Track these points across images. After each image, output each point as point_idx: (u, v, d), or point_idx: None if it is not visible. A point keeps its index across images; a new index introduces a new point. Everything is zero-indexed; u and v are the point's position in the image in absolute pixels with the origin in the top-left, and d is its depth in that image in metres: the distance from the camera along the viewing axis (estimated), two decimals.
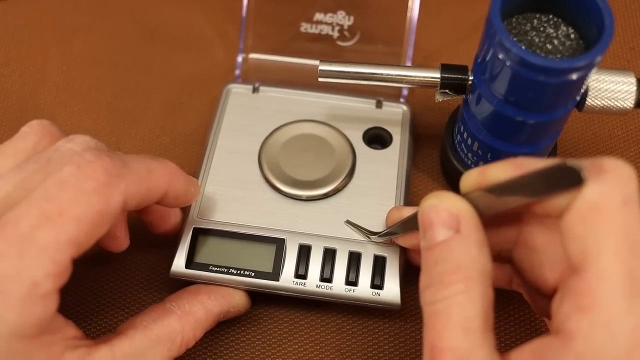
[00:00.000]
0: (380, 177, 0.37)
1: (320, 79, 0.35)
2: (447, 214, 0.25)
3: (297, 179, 0.36)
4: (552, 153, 0.37)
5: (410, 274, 0.34)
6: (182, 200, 0.31)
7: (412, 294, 0.36)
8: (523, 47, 0.28)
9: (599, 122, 0.43)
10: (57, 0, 0.49)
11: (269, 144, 0.38)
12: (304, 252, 0.34)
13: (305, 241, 0.34)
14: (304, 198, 0.36)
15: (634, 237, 0.22)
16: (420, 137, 0.42)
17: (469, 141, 0.35)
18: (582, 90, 0.31)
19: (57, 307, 0.24)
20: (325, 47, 0.42)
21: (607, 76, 0.32)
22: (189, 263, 0.33)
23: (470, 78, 0.33)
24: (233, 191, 0.36)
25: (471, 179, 0.26)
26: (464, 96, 0.34)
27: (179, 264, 0.33)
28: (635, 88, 0.32)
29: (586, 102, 0.32)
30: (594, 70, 0.29)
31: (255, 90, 0.40)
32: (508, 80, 0.29)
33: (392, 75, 0.34)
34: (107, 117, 0.44)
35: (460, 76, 0.33)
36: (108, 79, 0.46)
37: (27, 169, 0.26)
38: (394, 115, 0.39)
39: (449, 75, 0.33)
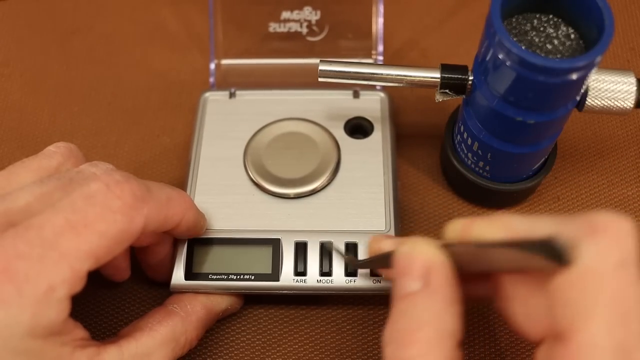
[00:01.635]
0: (367, 166, 0.37)
1: (320, 79, 0.35)
2: (419, 264, 0.23)
3: (285, 177, 0.36)
4: (552, 153, 0.37)
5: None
6: (192, 232, 0.33)
7: None
8: (523, 47, 0.28)
9: (599, 122, 0.43)
10: (57, 0, 0.49)
11: (252, 146, 0.38)
12: (301, 249, 0.34)
13: (301, 238, 0.34)
14: (293, 196, 0.36)
15: (627, 304, 0.20)
16: (419, 136, 0.42)
17: (469, 141, 0.35)
18: (582, 90, 0.31)
19: (69, 313, 0.25)
20: (295, 44, 0.42)
21: (607, 76, 0.32)
22: (188, 275, 0.33)
23: (470, 78, 0.33)
24: (223, 198, 0.36)
25: (456, 229, 0.25)
26: (464, 96, 0.34)
27: (178, 277, 0.33)
28: (635, 88, 0.32)
29: (586, 102, 0.32)
30: (594, 70, 0.29)
31: (231, 95, 0.41)
32: (508, 80, 0.29)
33: (392, 75, 0.34)
34: (107, 117, 0.44)
35: (460, 76, 0.33)
36: (108, 79, 0.46)
37: (49, 184, 0.27)
38: (372, 104, 0.40)
39: (449, 75, 0.33)
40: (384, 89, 0.41)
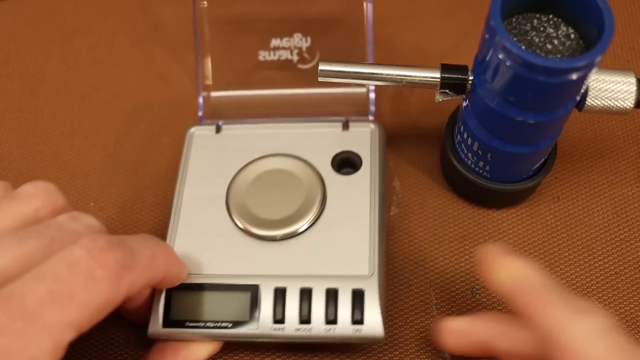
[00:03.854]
0: (353, 204, 0.35)
1: (320, 79, 0.35)
2: None
3: (267, 219, 0.35)
4: (552, 153, 0.37)
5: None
6: (173, 283, 0.32)
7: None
8: (523, 47, 0.28)
9: (599, 122, 0.43)
10: (57, 0, 0.49)
11: (235, 186, 0.36)
12: (280, 296, 0.32)
13: (280, 284, 0.33)
14: (275, 238, 0.35)
15: None
16: (419, 136, 0.42)
17: (469, 141, 0.35)
18: (582, 90, 0.31)
19: None
20: (287, 73, 0.41)
21: (607, 76, 0.32)
22: (166, 322, 0.32)
23: (470, 78, 0.33)
24: (204, 240, 0.35)
25: None
26: (463, 96, 0.34)
27: (155, 324, 0.32)
28: (635, 88, 0.32)
29: (586, 102, 0.32)
30: (594, 70, 0.29)
31: (218, 129, 0.39)
32: (508, 80, 0.29)
33: (392, 75, 0.34)
34: (107, 117, 0.44)
35: (460, 76, 0.33)
36: (108, 79, 0.46)
37: (28, 244, 0.26)
38: (361, 136, 0.38)
39: (449, 75, 0.33)
40: (375, 119, 0.39)
